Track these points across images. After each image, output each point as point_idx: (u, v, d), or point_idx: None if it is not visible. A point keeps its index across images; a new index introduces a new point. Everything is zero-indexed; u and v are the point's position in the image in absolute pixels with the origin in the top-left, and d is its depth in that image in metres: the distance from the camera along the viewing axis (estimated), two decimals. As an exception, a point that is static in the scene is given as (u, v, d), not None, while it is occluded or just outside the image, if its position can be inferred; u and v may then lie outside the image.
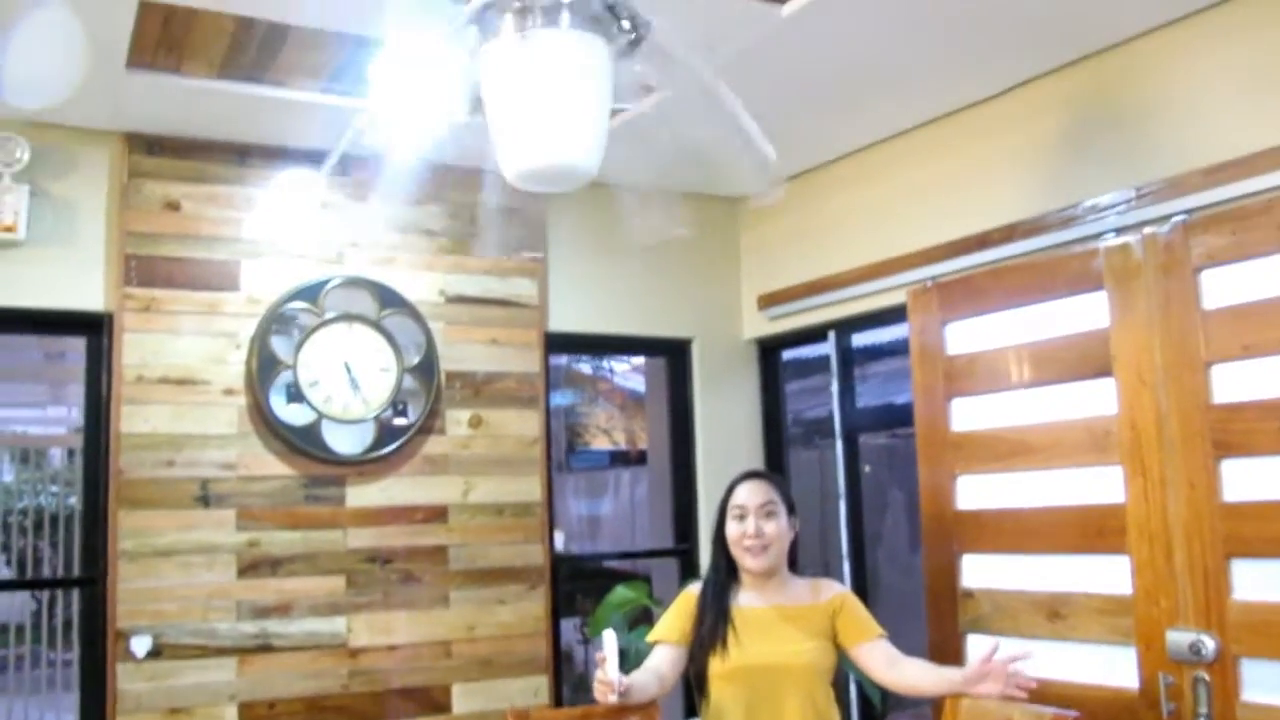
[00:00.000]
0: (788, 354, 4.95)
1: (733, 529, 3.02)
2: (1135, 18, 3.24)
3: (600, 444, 9.51)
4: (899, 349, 5.07)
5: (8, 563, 9.85)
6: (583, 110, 2.31)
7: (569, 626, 5.57)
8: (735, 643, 2.92)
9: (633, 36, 2.38)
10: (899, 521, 5.09)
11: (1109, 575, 3.25)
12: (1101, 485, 3.30)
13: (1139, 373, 3.20)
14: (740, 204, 4.94)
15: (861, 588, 4.40)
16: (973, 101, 3.81)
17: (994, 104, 3.76)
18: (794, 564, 3.14)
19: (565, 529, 8.58)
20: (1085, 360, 3.37)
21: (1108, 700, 3.15)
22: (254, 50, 3.38)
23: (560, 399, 8.85)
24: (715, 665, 2.93)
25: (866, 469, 4.89)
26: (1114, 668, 3.18)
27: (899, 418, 4.35)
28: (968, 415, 3.75)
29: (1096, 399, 3.33)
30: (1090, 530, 3.34)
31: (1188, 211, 3.14)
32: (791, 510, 3.08)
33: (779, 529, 3.00)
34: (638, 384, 8.35)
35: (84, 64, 3.31)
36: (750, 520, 2.99)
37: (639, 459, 8.12)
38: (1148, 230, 3.20)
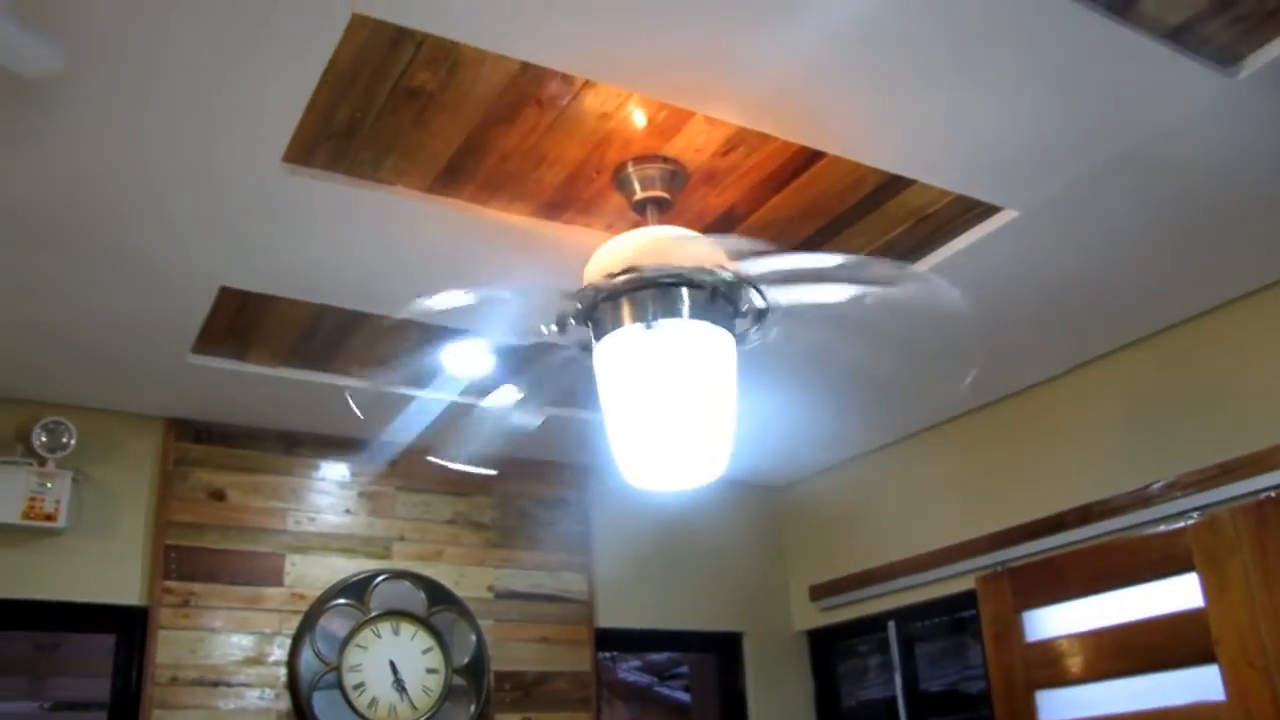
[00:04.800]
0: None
1: None
2: (1205, 294, 3.29)
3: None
4: (944, 630, 4.88)
5: None
6: (712, 405, 2.25)
7: None
8: None
9: (752, 325, 2.35)
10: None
11: None
12: (1219, 778, 3.11)
13: (1246, 656, 3.07)
14: (782, 492, 4.88)
15: None
16: (1037, 381, 3.82)
17: (1060, 383, 3.77)
18: None
19: None
20: (1182, 644, 3.24)
21: None
22: (322, 338, 3.35)
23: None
24: None
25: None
26: None
27: (967, 703, 4.13)
28: (1055, 707, 3.57)
29: (1199, 685, 3.18)
30: (1212, 831, 3.11)
31: (1273, 487, 3.10)
32: None
33: None
34: (637, 676, 8.01)
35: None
36: None
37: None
38: (1239, 505, 3.15)
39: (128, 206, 2.52)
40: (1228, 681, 3.10)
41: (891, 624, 4.31)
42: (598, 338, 2.29)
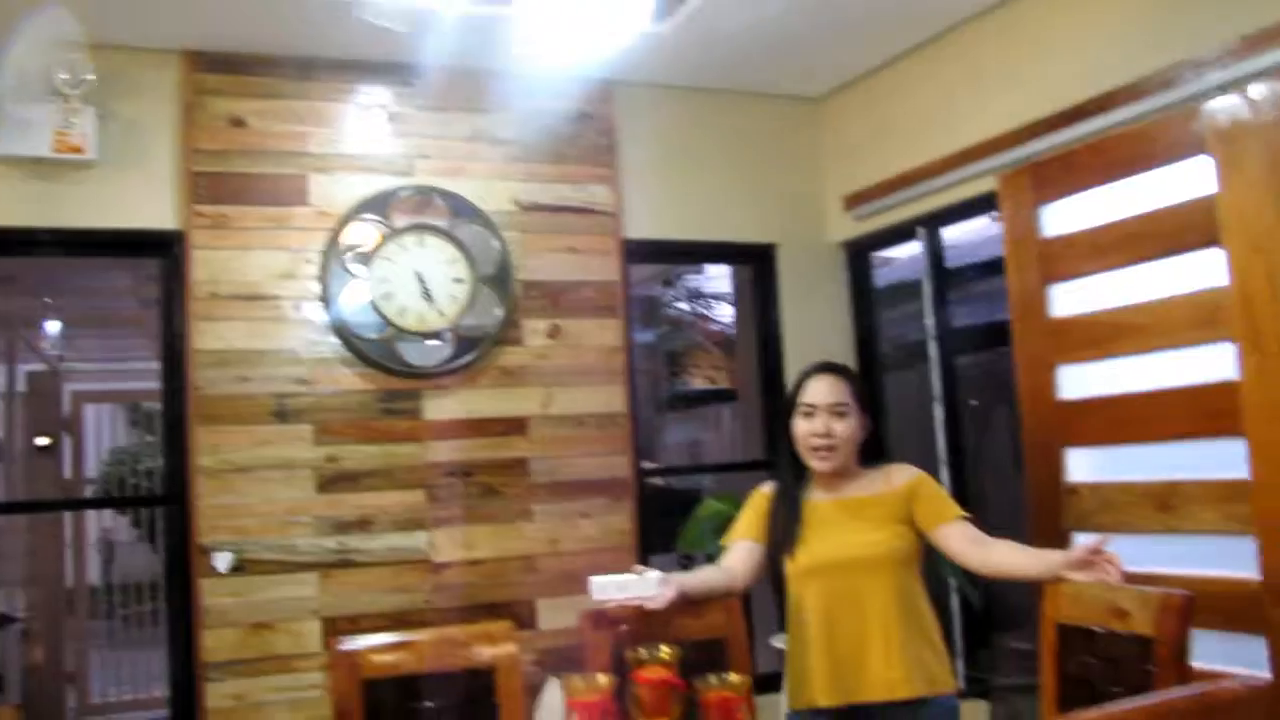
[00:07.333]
0: (880, 277, 4.73)
1: (801, 426, 2.80)
2: None
3: (698, 383, 9.44)
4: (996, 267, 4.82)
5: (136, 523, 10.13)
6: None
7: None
8: (805, 541, 2.76)
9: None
10: (999, 440, 4.84)
11: (1223, 460, 3.02)
12: (1212, 364, 3.06)
13: (1251, 240, 2.95)
14: (820, 103, 4.73)
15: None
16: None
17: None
18: (875, 458, 2.93)
19: (665, 462, 8.50)
20: (1189, 230, 3.12)
21: (1226, 592, 2.93)
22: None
23: (651, 337, 8.77)
24: (790, 565, 2.76)
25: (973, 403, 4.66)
26: (1232, 559, 2.96)
27: (997, 334, 4.12)
28: (1066, 300, 3.53)
29: (1203, 272, 3.09)
30: (1201, 413, 3.11)
31: (1301, 61, 2.87)
32: (864, 408, 2.87)
33: (849, 430, 2.77)
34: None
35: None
36: (819, 419, 2.78)
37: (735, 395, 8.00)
38: (1256, 86, 2.93)
39: None
40: (1231, 266, 3.00)
41: (922, 230, 4.26)
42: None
